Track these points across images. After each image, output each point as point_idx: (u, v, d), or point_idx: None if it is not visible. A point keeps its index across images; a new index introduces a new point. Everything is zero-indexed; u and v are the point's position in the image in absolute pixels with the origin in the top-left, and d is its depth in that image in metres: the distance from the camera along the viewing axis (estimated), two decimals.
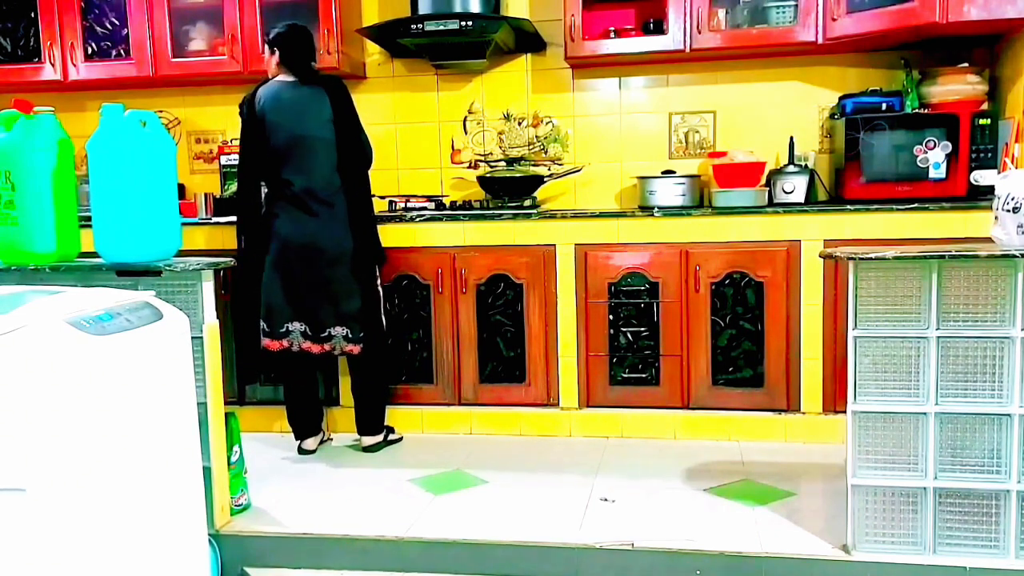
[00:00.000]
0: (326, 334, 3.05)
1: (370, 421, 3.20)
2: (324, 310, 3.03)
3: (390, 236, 3.28)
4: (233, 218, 3.51)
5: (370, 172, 3.13)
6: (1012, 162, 2.77)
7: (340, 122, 2.99)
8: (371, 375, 3.17)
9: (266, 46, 3.09)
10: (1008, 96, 3.21)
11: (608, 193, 3.79)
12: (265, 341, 3.08)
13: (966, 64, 3.25)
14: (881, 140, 3.17)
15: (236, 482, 2.57)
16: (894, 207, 3.02)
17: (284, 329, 3.06)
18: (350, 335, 3.05)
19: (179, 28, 3.79)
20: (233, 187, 3.78)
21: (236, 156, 3.78)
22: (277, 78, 3.05)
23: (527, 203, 3.61)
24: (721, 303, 3.20)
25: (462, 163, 3.85)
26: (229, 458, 2.53)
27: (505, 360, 3.36)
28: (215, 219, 3.59)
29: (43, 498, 1.51)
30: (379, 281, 3.14)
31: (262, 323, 3.08)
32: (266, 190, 3.12)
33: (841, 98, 3.40)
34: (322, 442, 3.29)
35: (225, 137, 4.03)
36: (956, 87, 3.24)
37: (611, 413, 3.31)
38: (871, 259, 2.09)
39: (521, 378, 3.35)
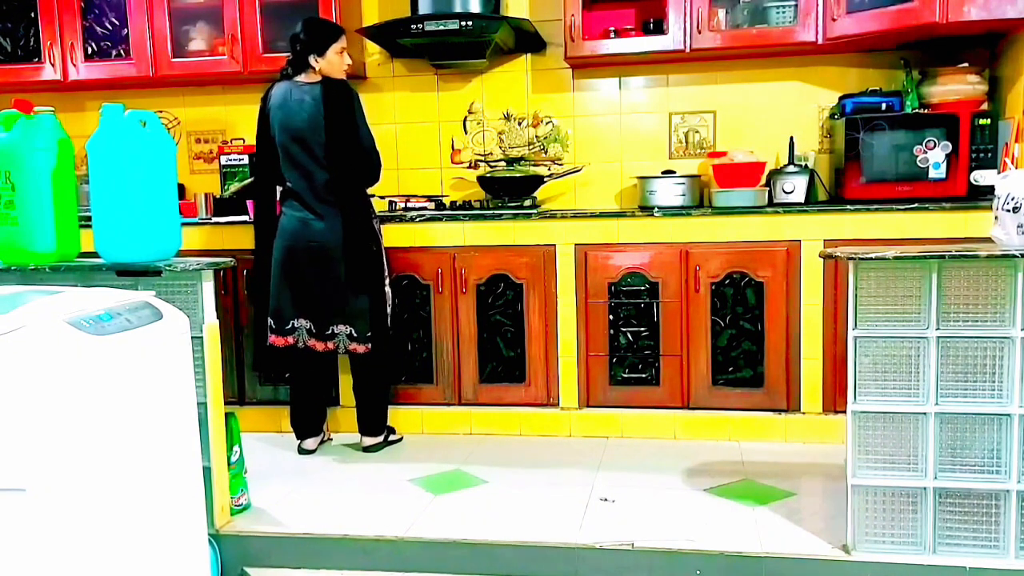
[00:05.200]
0: (330, 332, 3.06)
1: (371, 422, 3.20)
2: (328, 308, 3.04)
3: (390, 236, 3.28)
4: (233, 218, 3.54)
5: (376, 176, 3.08)
6: (1012, 162, 2.76)
7: (331, 123, 2.97)
8: (374, 376, 3.17)
9: None
10: (1008, 96, 3.21)
11: (608, 193, 3.79)
12: (272, 337, 3.10)
13: (966, 64, 3.25)
14: (881, 140, 3.17)
15: (236, 482, 2.57)
16: (894, 207, 3.02)
17: (290, 326, 3.07)
18: (354, 334, 3.05)
19: (179, 28, 3.79)
20: (232, 187, 3.79)
21: (236, 156, 3.82)
22: (293, 77, 3.04)
23: (527, 203, 3.61)
24: (721, 303, 3.20)
25: (462, 163, 3.85)
26: (229, 458, 2.53)
27: (505, 360, 3.36)
28: (215, 219, 3.59)
29: (43, 498, 1.51)
30: (388, 282, 3.14)
31: (269, 319, 3.10)
32: (279, 186, 3.14)
33: (841, 98, 3.40)
34: (322, 442, 3.29)
35: (225, 137, 4.04)
36: (956, 87, 3.24)
37: (611, 413, 3.31)
38: (871, 259, 2.09)
39: (521, 378, 3.35)
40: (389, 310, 3.15)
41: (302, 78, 3.02)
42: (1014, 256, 1.99)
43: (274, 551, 2.42)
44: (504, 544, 2.35)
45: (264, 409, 3.48)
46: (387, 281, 3.14)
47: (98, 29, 3.83)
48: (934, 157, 3.12)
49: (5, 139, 2.28)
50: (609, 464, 3.00)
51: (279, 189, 3.13)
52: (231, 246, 3.34)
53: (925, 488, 2.11)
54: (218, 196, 3.84)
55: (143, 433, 1.76)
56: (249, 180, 3.71)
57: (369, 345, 3.07)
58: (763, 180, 3.37)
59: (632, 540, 2.30)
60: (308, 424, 3.23)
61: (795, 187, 3.28)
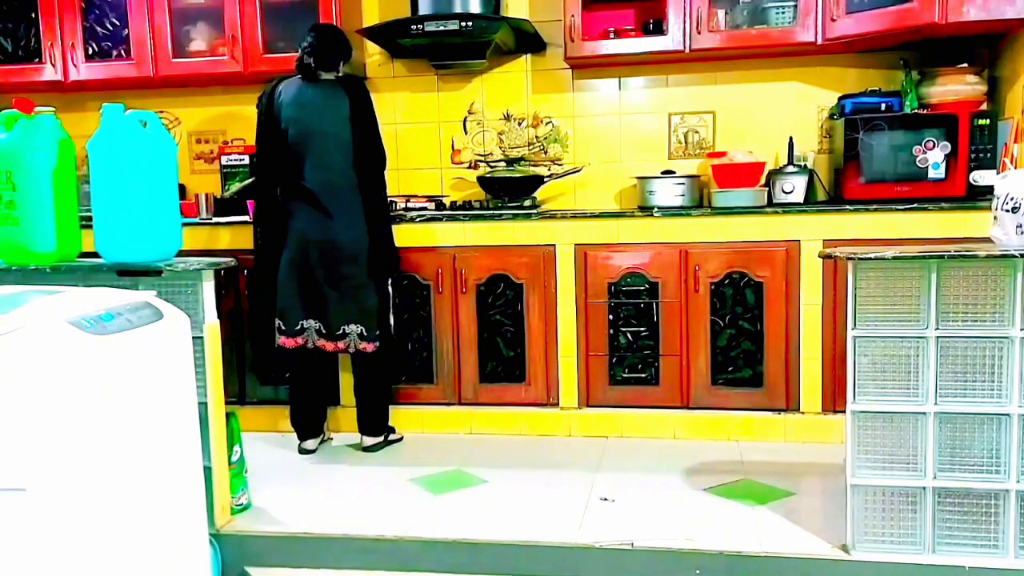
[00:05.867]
0: (341, 332, 3.06)
1: (372, 421, 3.20)
2: (340, 308, 3.04)
3: None
4: (234, 218, 3.53)
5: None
6: (1011, 162, 2.77)
7: (357, 121, 2.99)
8: (375, 375, 3.18)
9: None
10: (1007, 96, 3.21)
11: (608, 193, 3.79)
12: (281, 339, 3.09)
13: (965, 64, 3.25)
14: (880, 140, 3.17)
15: (236, 482, 2.58)
16: (893, 207, 3.02)
17: (299, 327, 3.07)
18: (365, 333, 3.05)
19: (179, 28, 3.79)
20: (233, 187, 3.79)
21: (236, 156, 3.81)
22: (299, 75, 3.06)
23: (527, 203, 3.62)
24: (721, 303, 3.20)
25: (462, 163, 3.86)
26: (230, 458, 2.54)
27: (505, 360, 3.37)
28: (215, 219, 3.59)
29: (43, 498, 1.51)
30: (390, 282, 3.15)
31: (278, 321, 3.09)
32: (281, 186, 3.12)
33: (840, 98, 3.40)
34: (322, 442, 3.30)
35: (225, 137, 4.04)
36: (955, 87, 3.24)
37: (611, 413, 3.31)
38: (870, 259, 2.09)
39: (521, 378, 3.35)
40: (391, 309, 3.15)
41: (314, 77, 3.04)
42: (1013, 256, 1.99)
43: (274, 551, 2.42)
44: (504, 544, 2.35)
45: (264, 409, 3.48)
46: (390, 281, 3.14)
47: (99, 29, 3.83)
48: (933, 157, 3.12)
49: (6, 139, 2.28)
50: (609, 464, 3.00)
51: (279, 189, 3.13)
52: (231, 246, 3.35)
53: (924, 488, 2.12)
54: (219, 196, 3.85)
55: (144, 433, 1.77)
56: (250, 180, 3.71)
57: (378, 343, 3.07)
58: (762, 180, 3.37)
59: (632, 540, 2.31)
60: (309, 424, 3.23)
61: (794, 187, 3.29)
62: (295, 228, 3.05)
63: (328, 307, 3.05)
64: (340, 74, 3.09)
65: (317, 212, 3.02)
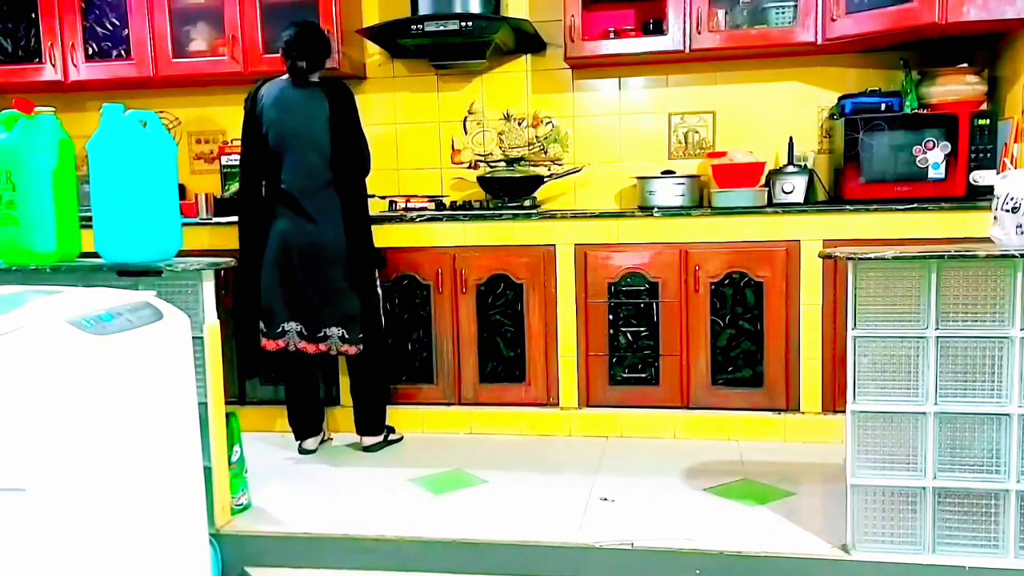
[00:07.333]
0: (322, 334, 3.05)
1: (369, 421, 3.20)
2: (321, 310, 3.03)
3: (390, 236, 3.28)
4: (234, 218, 3.52)
5: (368, 177, 3.11)
6: (1011, 162, 2.77)
7: (336, 124, 2.98)
8: (370, 376, 3.17)
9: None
10: (1007, 96, 3.21)
11: (608, 193, 3.79)
12: (263, 341, 3.08)
13: (965, 64, 3.26)
14: (880, 140, 3.17)
15: (236, 482, 2.58)
16: (893, 207, 3.02)
17: (280, 329, 3.06)
18: (347, 336, 3.05)
19: (179, 28, 3.79)
20: (234, 186, 3.78)
21: (236, 156, 3.78)
22: (283, 76, 3.06)
23: (527, 203, 3.62)
24: (720, 303, 3.20)
25: (462, 163, 3.86)
26: (230, 458, 2.54)
27: (505, 360, 3.37)
28: (215, 219, 3.59)
29: (43, 498, 1.51)
30: (378, 282, 3.14)
31: (260, 323, 3.08)
32: (266, 188, 3.12)
33: (840, 98, 3.40)
34: (322, 442, 3.30)
35: (225, 137, 4.04)
36: (955, 87, 3.24)
37: (611, 413, 3.31)
38: (870, 259, 2.09)
39: (521, 378, 3.35)
40: (382, 310, 3.14)
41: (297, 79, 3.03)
42: (1013, 256, 1.99)
43: (274, 551, 2.42)
44: (504, 544, 2.35)
45: (264, 409, 3.48)
46: (378, 282, 3.13)
47: (99, 29, 3.83)
48: (933, 157, 3.12)
49: (6, 139, 2.29)
50: (609, 464, 3.00)
51: (265, 190, 3.11)
52: (231, 246, 3.33)
53: (924, 488, 2.12)
54: (218, 196, 3.84)
55: (144, 433, 1.77)
56: None
57: (361, 346, 3.06)
58: (762, 180, 3.37)
59: (632, 540, 2.31)
60: (307, 424, 3.23)
61: (794, 187, 3.29)
62: (277, 230, 3.03)
63: (310, 309, 3.03)
64: (321, 75, 3.05)
65: (298, 215, 3.00)
